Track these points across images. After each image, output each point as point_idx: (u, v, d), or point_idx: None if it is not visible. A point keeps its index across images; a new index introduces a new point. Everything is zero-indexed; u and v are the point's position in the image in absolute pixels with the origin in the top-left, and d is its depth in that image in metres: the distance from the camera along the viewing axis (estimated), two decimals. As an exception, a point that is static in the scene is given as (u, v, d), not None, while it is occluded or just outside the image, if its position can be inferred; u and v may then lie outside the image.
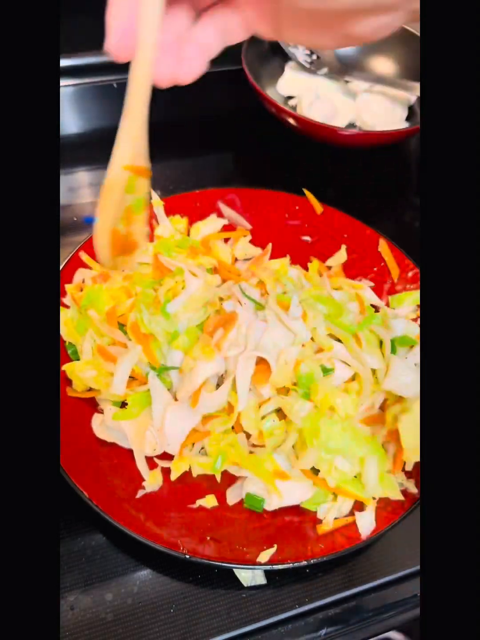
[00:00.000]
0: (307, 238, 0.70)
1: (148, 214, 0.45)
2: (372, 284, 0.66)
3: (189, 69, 0.39)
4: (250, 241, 0.70)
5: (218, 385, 0.54)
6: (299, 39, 0.36)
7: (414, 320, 0.61)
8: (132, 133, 0.42)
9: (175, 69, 0.39)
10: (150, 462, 0.53)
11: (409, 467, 0.51)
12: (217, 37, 0.39)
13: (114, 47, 0.36)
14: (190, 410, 0.52)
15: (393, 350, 0.56)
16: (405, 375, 0.53)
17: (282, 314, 0.54)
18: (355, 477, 0.51)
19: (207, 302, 0.57)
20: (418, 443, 0.48)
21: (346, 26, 0.33)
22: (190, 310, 0.55)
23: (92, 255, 0.63)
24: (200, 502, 0.51)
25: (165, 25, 0.36)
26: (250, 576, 0.49)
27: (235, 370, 0.52)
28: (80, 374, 0.55)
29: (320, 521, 0.50)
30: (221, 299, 0.58)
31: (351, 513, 0.50)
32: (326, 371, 0.53)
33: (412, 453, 0.50)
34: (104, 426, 0.53)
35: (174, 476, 0.52)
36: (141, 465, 0.52)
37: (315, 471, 0.52)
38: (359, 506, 0.51)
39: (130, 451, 0.53)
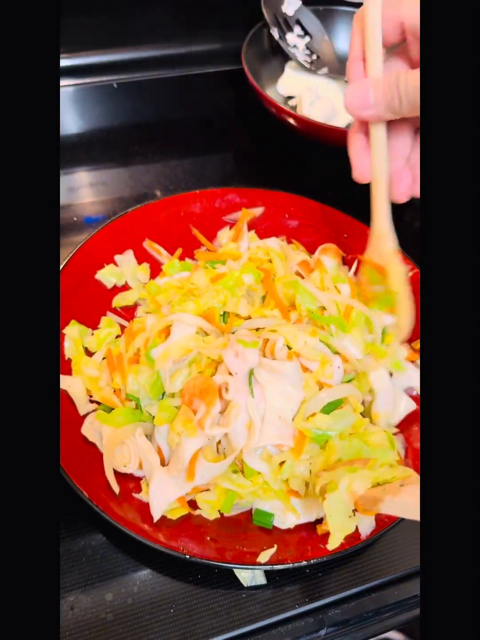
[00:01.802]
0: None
1: (409, 305, 0.54)
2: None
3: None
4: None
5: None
6: None
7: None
8: (376, 236, 0.54)
9: (412, 187, 0.50)
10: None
11: (331, 547, 0.45)
12: None
13: (360, 176, 0.51)
14: (180, 478, 0.48)
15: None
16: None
17: (274, 364, 0.51)
18: None
19: (193, 359, 0.52)
20: (344, 524, 0.44)
21: None
22: (173, 356, 0.51)
23: (91, 258, 0.63)
24: (200, 512, 0.50)
25: (393, 150, 0.50)
26: (250, 576, 0.49)
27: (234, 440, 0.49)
28: (84, 367, 0.55)
29: (320, 521, 0.50)
30: (215, 362, 0.53)
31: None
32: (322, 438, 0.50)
33: (337, 535, 0.44)
34: (91, 425, 0.53)
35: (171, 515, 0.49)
36: (109, 474, 0.50)
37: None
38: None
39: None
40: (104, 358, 0.58)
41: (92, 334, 0.59)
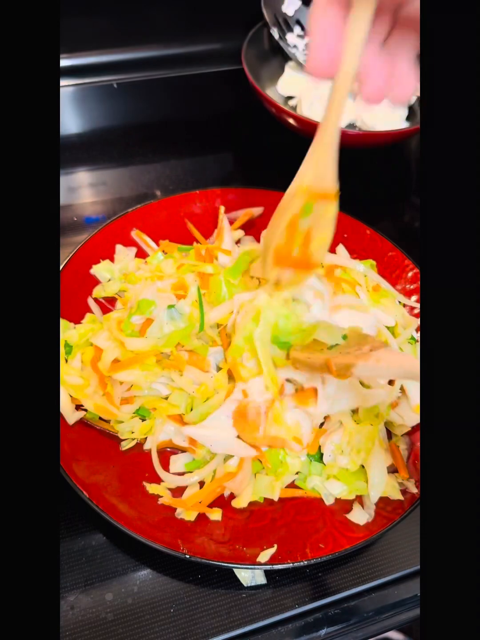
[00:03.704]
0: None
1: (331, 237, 0.44)
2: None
3: (403, 86, 0.37)
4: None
5: None
6: None
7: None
8: (319, 154, 0.41)
9: (386, 87, 0.37)
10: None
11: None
12: (412, 44, 0.37)
13: (315, 65, 0.36)
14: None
15: None
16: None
17: None
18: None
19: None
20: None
21: None
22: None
23: (91, 258, 0.63)
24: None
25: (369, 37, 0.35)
26: (250, 576, 0.49)
27: None
28: (66, 376, 0.54)
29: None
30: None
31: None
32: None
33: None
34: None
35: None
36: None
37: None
38: (359, 499, 0.52)
39: (130, 452, 0.54)
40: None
41: (74, 328, 0.58)
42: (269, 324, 0.51)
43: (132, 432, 0.54)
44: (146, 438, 0.54)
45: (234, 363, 0.52)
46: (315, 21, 0.36)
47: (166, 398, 0.55)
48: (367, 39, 0.35)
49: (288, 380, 0.52)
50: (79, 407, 0.54)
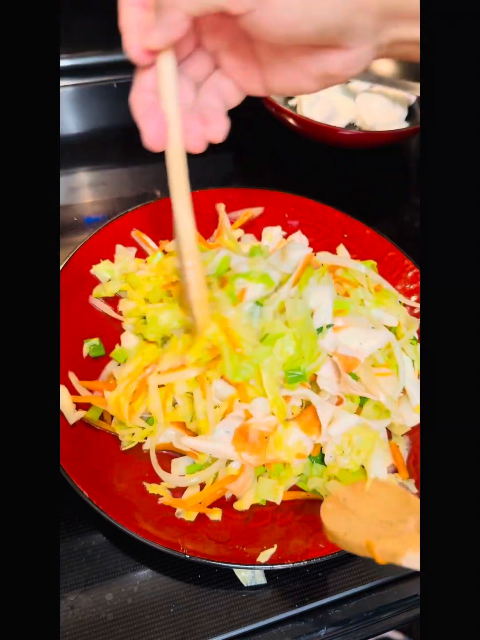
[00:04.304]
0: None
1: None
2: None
3: (216, 127, 0.42)
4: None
5: None
6: (285, 88, 0.40)
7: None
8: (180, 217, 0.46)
9: (204, 130, 0.42)
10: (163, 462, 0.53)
11: None
12: (219, 101, 0.43)
13: (152, 140, 0.42)
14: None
15: None
16: None
17: None
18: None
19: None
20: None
21: (314, 63, 0.36)
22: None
23: (91, 259, 0.63)
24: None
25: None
26: (250, 576, 0.49)
27: None
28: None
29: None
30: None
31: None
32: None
33: None
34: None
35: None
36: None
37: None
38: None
39: (130, 452, 0.53)
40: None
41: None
42: (281, 354, 0.50)
43: (133, 434, 0.54)
44: (146, 438, 0.54)
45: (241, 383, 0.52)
46: (136, 107, 0.42)
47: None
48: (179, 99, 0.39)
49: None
50: (79, 407, 0.54)
